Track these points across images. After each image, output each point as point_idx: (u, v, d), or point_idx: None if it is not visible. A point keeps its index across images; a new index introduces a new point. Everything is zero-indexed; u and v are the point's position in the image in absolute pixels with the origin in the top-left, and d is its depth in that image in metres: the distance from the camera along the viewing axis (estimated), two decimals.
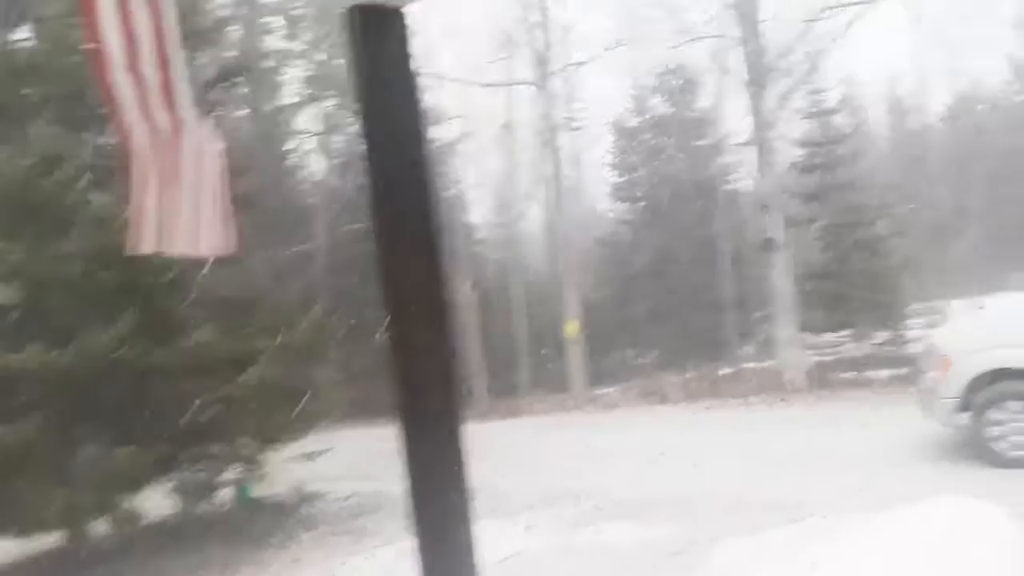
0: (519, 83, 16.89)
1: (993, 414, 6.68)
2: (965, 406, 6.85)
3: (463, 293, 17.91)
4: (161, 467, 6.54)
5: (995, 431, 6.69)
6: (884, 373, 12.65)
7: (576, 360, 15.37)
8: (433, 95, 18.01)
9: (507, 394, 17.43)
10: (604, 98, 23.87)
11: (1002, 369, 6.64)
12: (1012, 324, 7.49)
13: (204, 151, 1.76)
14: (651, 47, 18.01)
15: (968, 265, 21.47)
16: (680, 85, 20.83)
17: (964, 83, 26.36)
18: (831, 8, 13.14)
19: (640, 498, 7.04)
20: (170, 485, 7.00)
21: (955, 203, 22.44)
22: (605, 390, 15.30)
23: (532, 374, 18.43)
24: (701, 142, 20.86)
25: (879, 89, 29.89)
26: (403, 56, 1.62)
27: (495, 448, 10.48)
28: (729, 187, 19.97)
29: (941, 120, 27.41)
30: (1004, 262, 22.90)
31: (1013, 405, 6.59)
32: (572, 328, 15.28)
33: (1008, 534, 4.99)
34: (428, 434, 1.58)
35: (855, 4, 13.16)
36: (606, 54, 17.72)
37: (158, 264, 5.75)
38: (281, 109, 19.29)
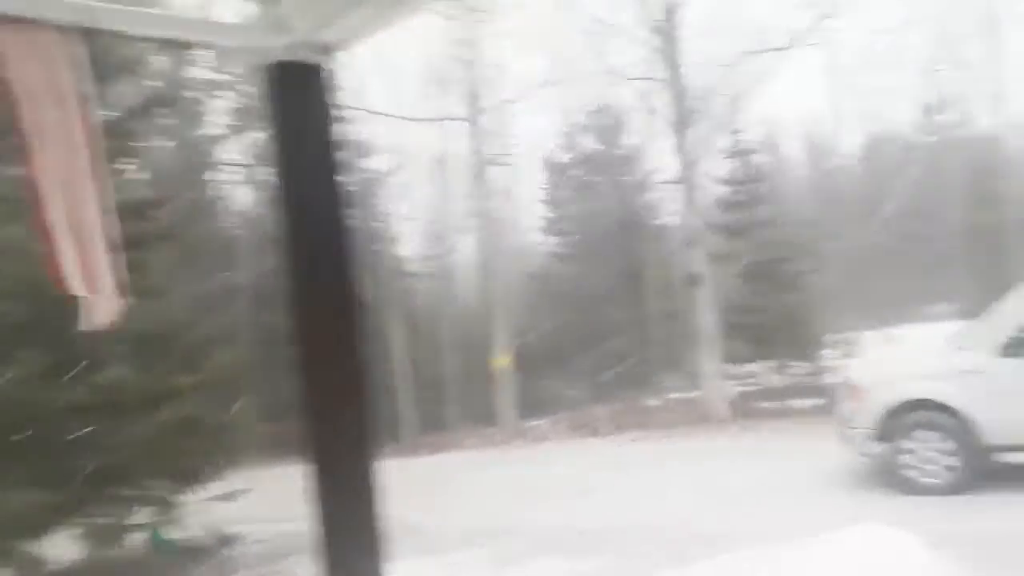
0: (450, 119, 17.00)
1: (906, 443, 6.93)
2: (880, 436, 7.09)
3: (391, 326, 17.72)
4: (68, 510, 6.19)
5: (908, 460, 6.94)
6: (804, 403, 13.00)
7: (506, 393, 15.34)
8: (364, 129, 17.97)
9: (436, 428, 17.22)
10: (535, 135, 24.26)
11: (913, 400, 6.91)
12: (922, 356, 7.86)
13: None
14: (580, 87, 18.45)
15: (883, 299, 22.42)
16: (609, 124, 21.31)
17: (877, 125, 27.79)
18: (751, 53, 13.72)
19: (569, 533, 7.03)
20: (78, 529, 6.63)
21: (870, 240, 23.47)
22: (535, 423, 15.29)
23: (462, 407, 18.28)
24: (629, 179, 21.34)
25: (797, 130, 31.27)
26: (322, 112, 1.61)
27: (423, 484, 10.32)
28: (656, 223, 20.45)
29: (856, 160, 28.75)
30: (916, 296, 24.05)
31: (924, 434, 6.86)
32: (502, 361, 15.26)
33: (922, 561, 5.17)
34: (340, 478, 1.56)
35: (773, 50, 13.76)
36: (537, 92, 18.08)
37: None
38: (207, 140, 18.89)
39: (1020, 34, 26.59)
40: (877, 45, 25.18)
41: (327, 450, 1.57)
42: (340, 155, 1.65)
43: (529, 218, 24.60)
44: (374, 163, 19.29)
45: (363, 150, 18.62)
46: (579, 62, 16.36)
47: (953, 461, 6.73)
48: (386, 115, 16.17)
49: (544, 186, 22.61)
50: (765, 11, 14.15)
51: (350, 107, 16.94)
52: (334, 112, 1.67)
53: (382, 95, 22.84)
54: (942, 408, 6.77)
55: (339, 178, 1.64)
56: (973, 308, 9.28)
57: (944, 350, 7.43)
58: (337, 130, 1.67)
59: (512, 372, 15.44)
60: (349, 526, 1.59)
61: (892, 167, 26.85)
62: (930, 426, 6.83)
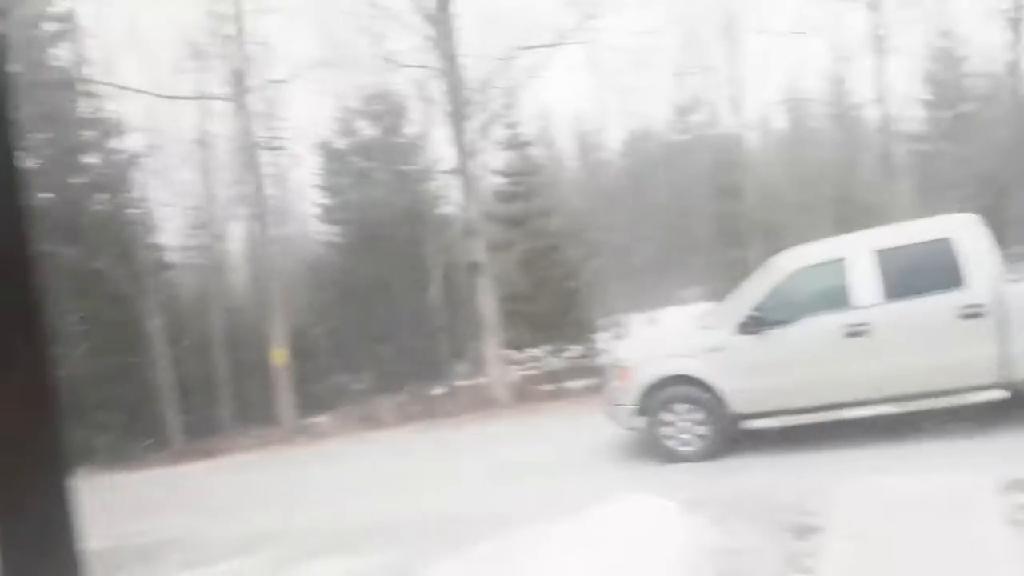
0: (212, 97, 15.85)
1: (664, 416, 7.48)
2: (642, 410, 7.60)
3: (152, 323, 16.27)
4: None
5: (667, 431, 7.49)
6: (579, 384, 13.68)
7: (284, 390, 14.68)
8: (114, 106, 16.27)
9: (207, 432, 16.09)
10: (308, 118, 23.27)
11: (669, 376, 7.47)
12: (678, 335, 8.53)
13: None
14: (356, 71, 17.99)
15: (647, 284, 24.32)
16: (387, 110, 21.02)
17: (637, 122, 29.99)
18: (524, 48, 14.13)
19: (353, 530, 6.82)
20: None
21: (633, 229, 25.33)
22: (316, 419, 14.78)
23: (236, 408, 17.23)
24: (410, 167, 21.22)
25: (568, 125, 32.95)
26: None
27: (194, 493, 9.58)
28: (437, 212, 20.53)
29: (618, 155, 30.86)
30: (674, 280, 26.34)
31: (679, 407, 7.44)
32: (279, 356, 14.57)
33: (679, 524, 5.59)
34: (22, 501, 1.31)
35: (543, 46, 14.27)
36: (309, 74, 17.37)
37: None
38: None
39: (755, 43, 29.94)
40: (635, 46, 27.05)
41: (3, 471, 1.31)
42: (16, 133, 1.37)
43: (305, 206, 23.72)
44: (127, 143, 17.54)
45: (113, 129, 16.87)
46: (353, 45, 15.91)
47: (704, 430, 7.36)
48: (139, 91, 14.72)
49: (320, 172, 21.83)
50: (535, 8, 14.64)
51: (97, 81, 15.26)
52: (9, 85, 1.38)
53: (134, 70, 20.74)
54: (693, 382, 7.38)
55: (15, 159, 1.36)
56: (722, 290, 10.29)
57: (694, 329, 8.11)
58: (13, 104, 1.38)
59: (291, 368, 14.80)
60: (36, 556, 1.34)
61: (651, 162, 29.15)
62: (684, 399, 7.41)
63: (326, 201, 21.71)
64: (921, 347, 6.56)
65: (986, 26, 18.91)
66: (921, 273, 6.68)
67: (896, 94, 20.58)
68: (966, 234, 6.72)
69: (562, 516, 5.87)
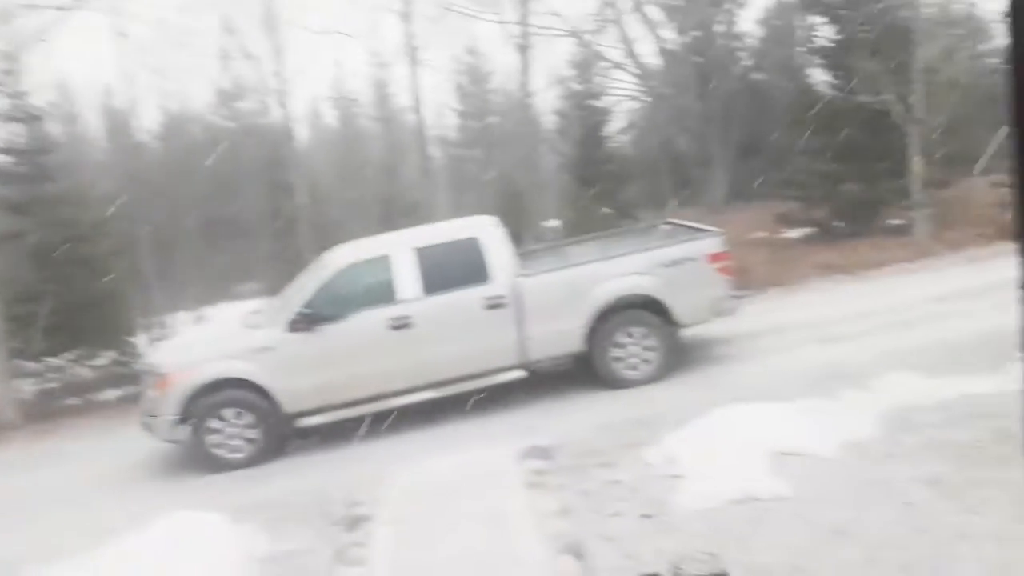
0: None
1: (211, 423, 7.01)
2: (185, 419, 7.00)
3: None
4: None
5: (214, 439, 7.03)
6: (114, 394, 12.22)
7: None
8: None
9: None
10: None
11: (215, 380, 6.99)
12: (225, 336, 8.00)
13: None
14: None
15: (195, 279, 22.69)
16: None
17: (174, 104, 27.78)
18: (27, 7, 11.93)
19: None
20: None
21: (178, 220, 23.46)
22: None
23: None
24: None
25: (94, 100, 29.01)
26: None
27: None
28: None
29: (155, 138, 28.24)
30: (226, 275, 25.06)
31: (228, 412, 7.03)
32: None
33: (226, 536, 5.29)
34: None
35: (54, 8, 12.23)
36: None
37: None
38: None
39: (297, 36, 29.64)
40: (170, 23, 24.91)
41: None
42: None
43: None
44: None
45: None
46: None
47: (255, 434, 7.07)
48: None
49: None
50: None
51: None
52: None
53: None
54: (242, 384, 7.02)
55: None
56: (279, 285, 9.94)
57: (242, 329, 7.71)
58: None
59: None
60: None
61: (194, 148, 27.38)
62: (232, 403, 7.02)
63: None
64: (456, 336, 7.19)
65: (503, 49, 21.54)
66: (454, 269, 7.31)
67: (431, 102, 22.48)
68: (488, 234, 7.57)
69: (90, 549, 5.17)
